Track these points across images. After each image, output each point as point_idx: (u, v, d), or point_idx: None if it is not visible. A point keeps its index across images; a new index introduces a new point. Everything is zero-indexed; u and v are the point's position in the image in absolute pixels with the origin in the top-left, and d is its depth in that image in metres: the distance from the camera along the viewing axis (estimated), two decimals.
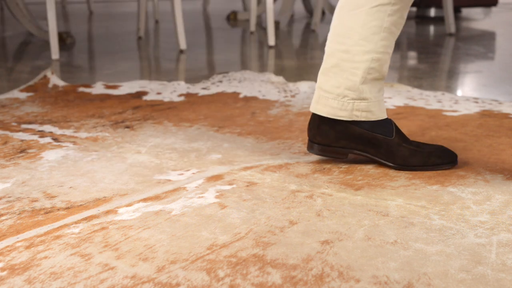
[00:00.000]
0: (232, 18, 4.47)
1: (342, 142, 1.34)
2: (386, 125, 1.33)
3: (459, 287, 0.85)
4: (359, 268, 0.91)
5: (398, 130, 1.33)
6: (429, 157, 1.31)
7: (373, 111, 1.32)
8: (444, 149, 1.33)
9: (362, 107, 1.31)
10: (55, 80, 2.17)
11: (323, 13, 4.74)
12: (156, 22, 4.34)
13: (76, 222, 1.06)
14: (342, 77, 1.30)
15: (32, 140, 1.53)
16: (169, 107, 1.87)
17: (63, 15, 4.89)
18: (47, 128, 1.64)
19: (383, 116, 1.33)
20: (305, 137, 1.56)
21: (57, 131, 1.61)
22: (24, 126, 1.66)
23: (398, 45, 3.28)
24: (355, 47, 1.28)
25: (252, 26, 3.74)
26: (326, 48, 1.34)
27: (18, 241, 0.99)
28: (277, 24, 3.93)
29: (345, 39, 1.29)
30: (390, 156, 1.32)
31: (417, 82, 2.26)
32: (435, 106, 1.87)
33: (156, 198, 1.17)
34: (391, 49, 1.31)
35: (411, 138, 1.54)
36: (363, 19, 1.27)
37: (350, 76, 1.30)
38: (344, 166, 1.35)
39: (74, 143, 1.51)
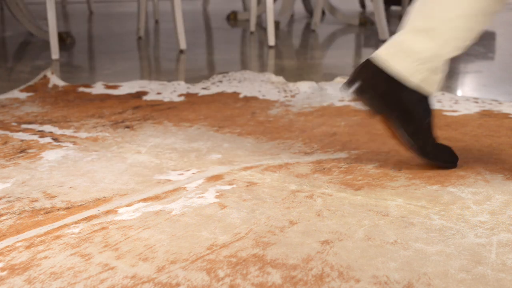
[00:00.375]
0: (232, 18, 4.47)
1: (385, 100, 1.28)
2: (427, 105, 1.29)
3: (459, 287, 0.85)
4: (359, 268, 0.91)
5: (432, 117, 1.31)
6: (441, 152, 1.32)
7: (434, 88, 1.28)
8: (452, 150, 1.35)
9: (432, 80, 1.27)
10: (55, 80, 2.17)
11: (323, 13, 4.74)
12: (156, 22, 4.34)
13: (76, 222, 1.06)
14: (436, 43, 1.25)
15: (32, 140, 1.53)
16: (169, 107, 1.87)
17: (63, 15, 4.89)
18: (47, 128, 1.64)
19: (435, 92, 1.29)
20: (305, 137, 1.56)
21: (57, 131, 1.61)
22: (24, 126, 1.66)
23: None
24: (459, 20, 1.23)
25: (252, 26, 3.74)
26: (424, 8, 1.26)
27: (18, 241, 0.99)
28: (277, 24, 3.93)
29: (454, 8, 1.23)
30: (413, 137, 1.29)
31: None
32: (435, 106, 1.87)
33: (156, 198, 1.17)
34: (476, 35, 1.27)
35: None
36: None
37: (443, 45, 1.25)
38: (344, 166, 1.35)
39: (74, 143, 1.51)
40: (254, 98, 1.98)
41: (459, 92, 2.16)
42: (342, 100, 1.94)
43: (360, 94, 1.29)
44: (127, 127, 1.66)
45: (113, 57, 2.85)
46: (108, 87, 2.14)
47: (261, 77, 2.25)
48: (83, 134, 1.59)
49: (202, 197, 1.17)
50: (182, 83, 2.20)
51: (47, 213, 1.10)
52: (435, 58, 1.26)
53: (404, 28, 1.29)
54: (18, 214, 1.10)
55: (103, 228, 1.04)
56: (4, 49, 3.14)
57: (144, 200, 1.16)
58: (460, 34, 1.25)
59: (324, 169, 1.33)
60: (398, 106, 1.28)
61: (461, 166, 1.34)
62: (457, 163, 1.33)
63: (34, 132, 1.60)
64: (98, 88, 2.12)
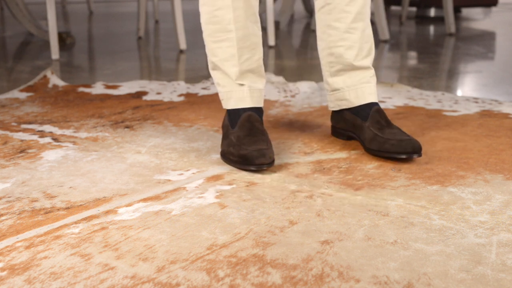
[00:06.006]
0: None
1: (341, 124, 1.53)
2: (366, 110, 1.46)
3: (459, 287, 0.85)
4: (359, 268, 0.91)
5: (374, 115, 1.42)
6: (383, 144, 1.37)
7: (348, 99, 1.48)
8: (403, 140, 1.35)
9: (338, 96, 1.50)
10: (55, 80, 2.17)
11: None
12: (156, 22, 4.34)
13: (76, 222, 1.06)
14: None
15: (32, 140, 1.53)
16: (169, 107, 1.87)
17: (63, 15, 4.89)
18: (47, 128, 1.64)
19: (360, 102, 1.46)
20: (304, 137, 1.56)
21: (57, 131, 1.61)
22: (24, 126, 1.66)
23: (398, 45, 3.28)
24: None
25: None
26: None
27: (18, 241, 0.99)
28: (277, 24, 3.93)
29: None
30: (363, 140, 1.44)
31: (417, 82, 2.26)
32: (435, 106, 1.87)
33: (156, 198, 1.17)
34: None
35: None
36: None
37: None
38: (344, 166, 1.34)
39: (74, 143, 1.51)
40: None
41: (459, 92, 2.16)
42: None
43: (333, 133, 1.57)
44: (127, 127, 1.66)
45: (113, 57, 2.85)
46: (108, 87, 2.14)
47: None
48: (83, 134, 1.59)
49: (202, 197, 1.17)
50: (182, 83, 2.20)
51: (47, 213, 1.10)
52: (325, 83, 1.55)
53: None
54: (18, 214, 1.10)
55: (103, 228, 1.04)
56: (4, 49, 3.14)
57: (144, 200, 1.16)
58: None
59: (324, 169, 1.33)
60: (349, 124, 1.50)
61: (461, 166, 1.34)
62: (417, 151, 1.34)
63: (34, 132, 1.60)
64: (98, 88, 2.12)
